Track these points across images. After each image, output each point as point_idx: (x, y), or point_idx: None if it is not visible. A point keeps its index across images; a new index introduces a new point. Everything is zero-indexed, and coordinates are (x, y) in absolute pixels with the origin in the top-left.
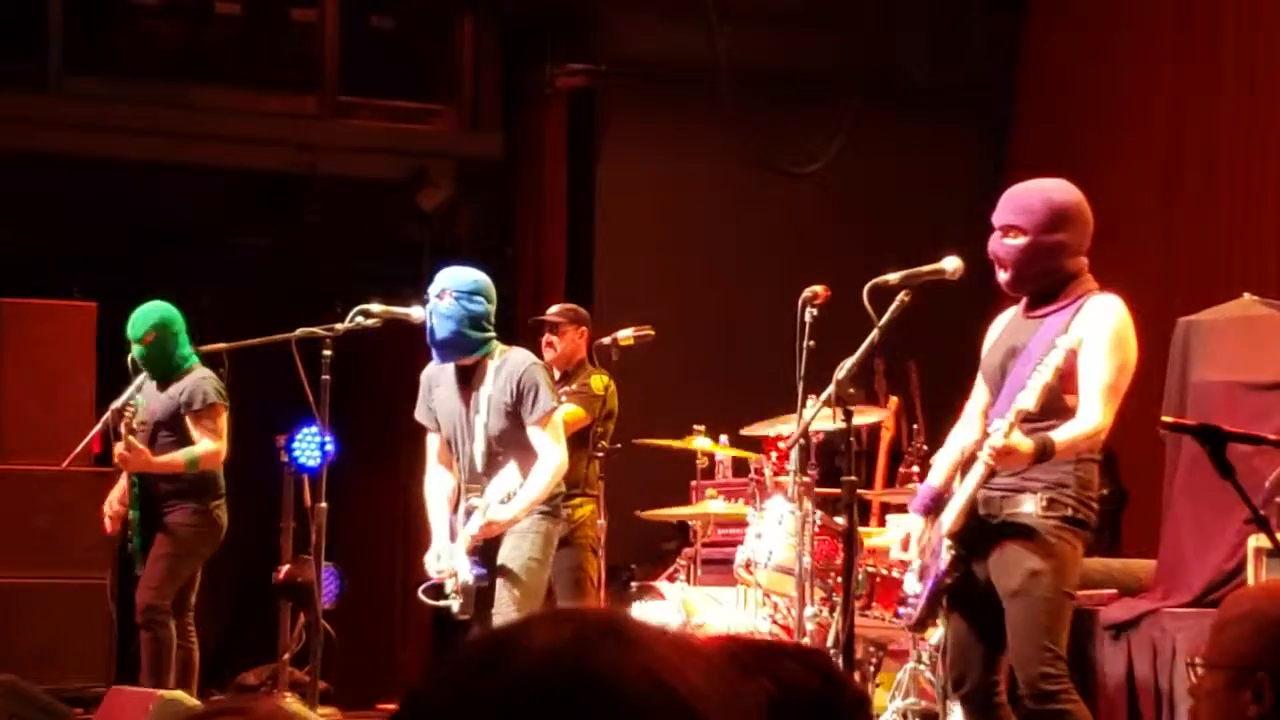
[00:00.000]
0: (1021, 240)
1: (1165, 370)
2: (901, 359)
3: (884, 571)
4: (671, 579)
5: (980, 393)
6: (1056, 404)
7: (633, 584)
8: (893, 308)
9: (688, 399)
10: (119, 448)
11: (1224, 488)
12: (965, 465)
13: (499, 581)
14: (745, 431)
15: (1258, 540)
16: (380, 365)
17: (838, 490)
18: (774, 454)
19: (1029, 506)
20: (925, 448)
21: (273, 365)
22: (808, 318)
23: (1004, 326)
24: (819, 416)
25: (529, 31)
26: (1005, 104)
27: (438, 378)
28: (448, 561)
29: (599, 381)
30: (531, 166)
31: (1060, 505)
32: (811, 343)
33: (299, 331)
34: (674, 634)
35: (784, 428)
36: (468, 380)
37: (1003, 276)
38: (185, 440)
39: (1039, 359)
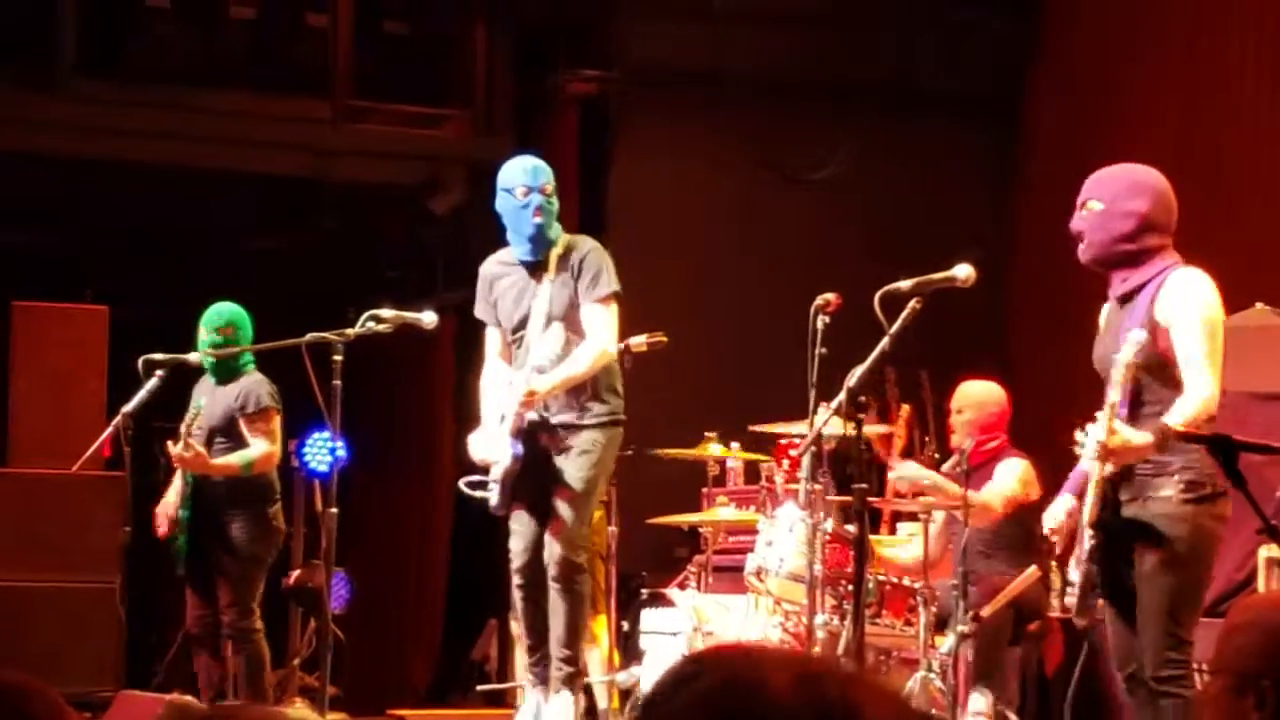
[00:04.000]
0: (1098, 207)
1: None
2: (913, 368)
3: (894, 580)
4: (682, 586)
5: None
6: (1159, 385)
7: (643, 591)
8: (904, 315)
9: (700, 405)
10: (177, 448)
11: (1235, 497)
12: None
13: (557, 497)
14: (755, 428)
15: (1269, 550)
16: (392, 370)
17: (849, 498)
18: (785, 461)
19: (1167, 490)
20: (936, 456)
21: (284, 370)
22: (819, 325)
23: (1103, 318)
24: (830, 424)
25: (542, 37)
26: (1017, 110)
27: (500, 270)
28: (489, 449)
29: None
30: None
31: (1198, 486)
32: (823, 350)
33: (310, 336)
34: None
35: (795, 429)
36: (534, 269)
37: (1080, 250)
38: (240, 444)
39: (1128, 348)
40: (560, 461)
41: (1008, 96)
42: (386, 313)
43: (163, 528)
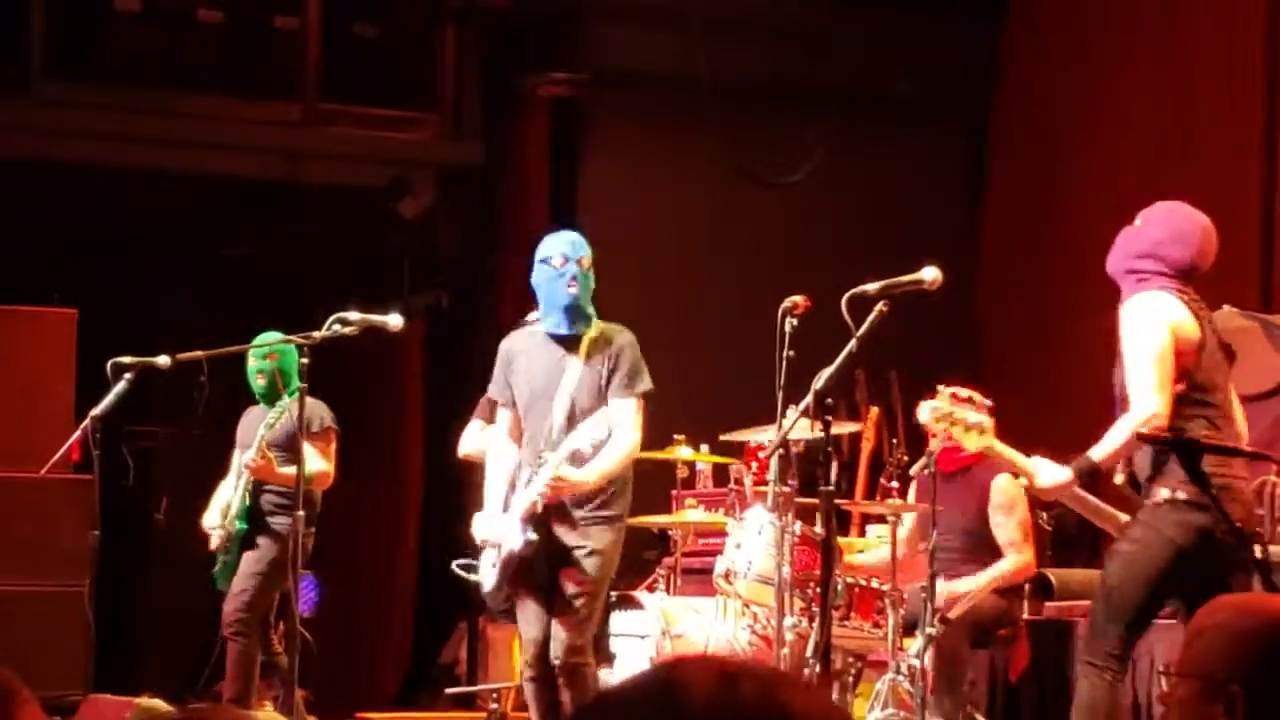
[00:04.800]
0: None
1: None
2: (883, 369)
3: (863, 582)
4: (651, 589)
5: None
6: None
7: (612, 594)
8: (871, 318)
9: (668, 408)
10: (252, 457)
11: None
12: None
13: (572, 585)
14: (725, 437)
15: None
16: (360, 374)
17: (816, 500)
18: (754, 464)
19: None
20: (906, 458)
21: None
22: (788, 328)
23: None
24: (799, 426)
25: (511, 40)
26: (984, 116)
27: (521, 348)
28: (495, 531)
29: None
30: (513, 175)
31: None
32: (791, 353)
33: (278, 339)
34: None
35: (763, 436)
36: (562, 350)
37: None
38: (296, 461)
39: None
40: (577, 554)
41: (975, 102)
42: (353, 315)
43: (214, 541)
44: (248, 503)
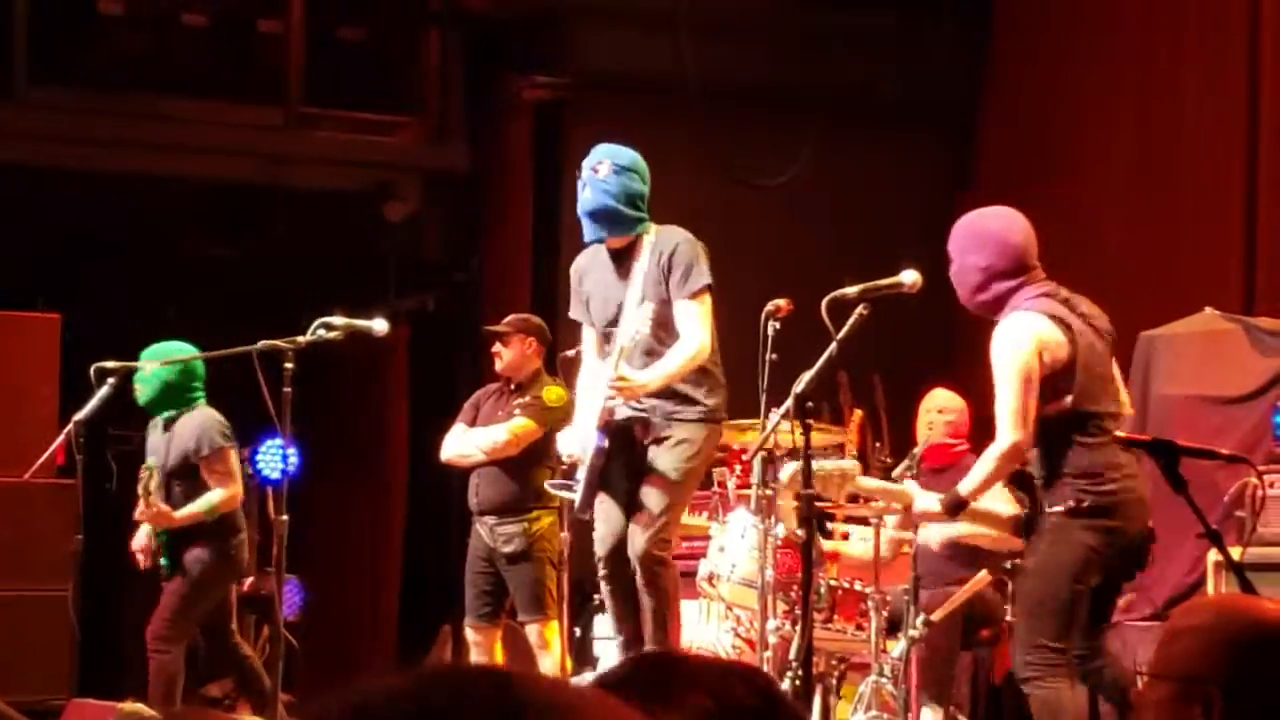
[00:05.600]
0: (952, 264)
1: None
2: (866, 372)
3: (845, 584)
4: None
5: None
6: None
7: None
8: (851, 321)
9: None
10: (140, 510)
11: (1184, 502)
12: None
13: (647, 485)
14: None
15: (1217, 555)
16: (343, 378)
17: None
18: (737, 467)
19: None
20: (889, 460)
21: (236, 377)
22: (770, 331)
23: None
24: (781, 429)
25: (495, 43)
26: (971, 119)
27: (588, 266)
28: (579, 446)
29: (553, 393)
30: (498, 179)
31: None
32: (774, 355)
33: (262, 344)
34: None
35: (746, 438)
36: (621, 261)
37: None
38: (199, 486)
39: None
40: (654, 451)
41: (961, 104)
42: (338, 320)
43: (145, 562)
44: (165, 538)
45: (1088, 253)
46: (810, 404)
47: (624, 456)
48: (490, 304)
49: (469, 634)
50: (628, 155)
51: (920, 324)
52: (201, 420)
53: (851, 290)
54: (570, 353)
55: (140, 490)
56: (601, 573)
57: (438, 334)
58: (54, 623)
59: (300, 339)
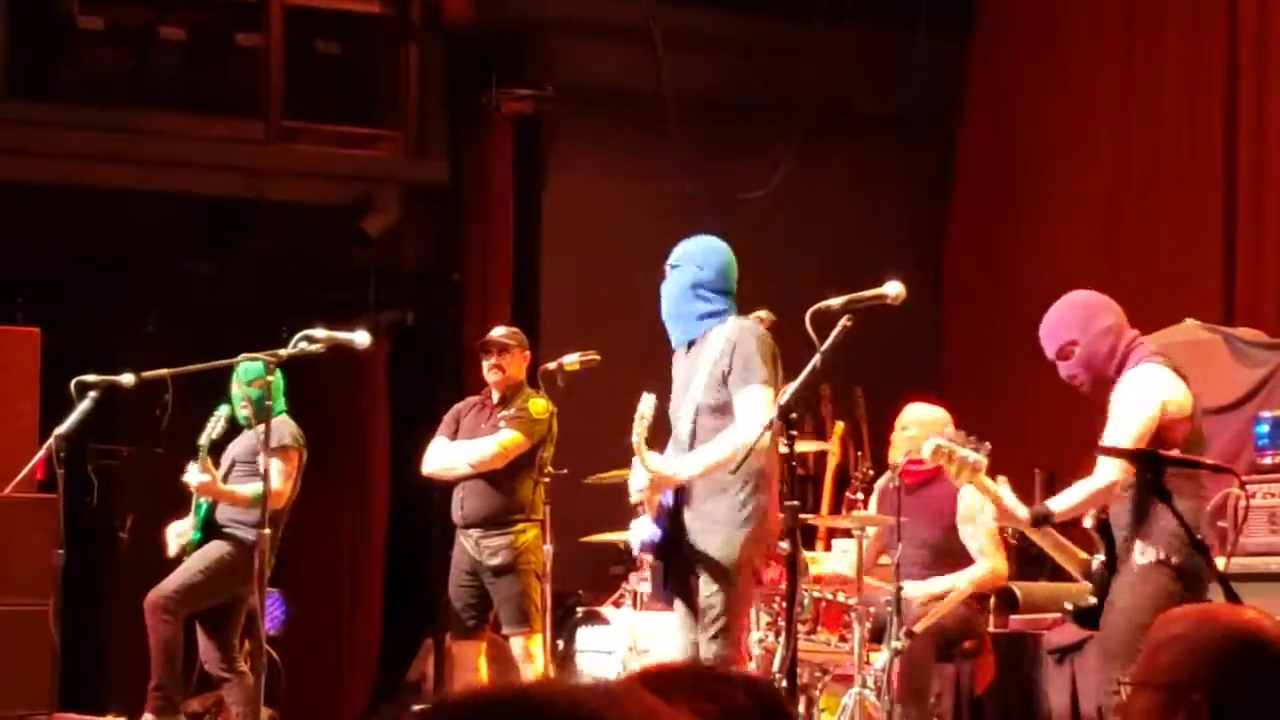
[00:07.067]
0: (1078, 350)
1: None
2: (848, 384)
3: (829, 596)
4: (618, 604)
5: None
6: None
7: (579, 609)
8: (835, 333)
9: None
10: (194, 471)
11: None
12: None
13: (704, 576)
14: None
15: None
16: (326, 391)
17: (781, 515)
18: None
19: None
20: (871, 472)
21: (217, 391)
22: None
23: None
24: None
25: (474, 57)
26: (949, 130)
27: (675, 364)
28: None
29: (537, 405)
30: (477, 192)
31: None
32: None
33: (243, 357)
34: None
35: None
36: (691, 348)
37: (1085, 389)
38: (257, 477)
39: None
40: (699, 555)
41: (941, 116)
42: (319, 333)
43: (172, 548)
44: (204, 514)
45: (1068, 263)
46: (794, 416)
47: (678, 552)
48: (470, 316)
49: (451, 647)
50: (688, 248)
51: (902, 336)
52: (282, 421)
53: (835, 302)
54: (551, 365)
55: (201, 457)
56: None
57: (418, 347)
58: (35, 638)
59: (281, 352)
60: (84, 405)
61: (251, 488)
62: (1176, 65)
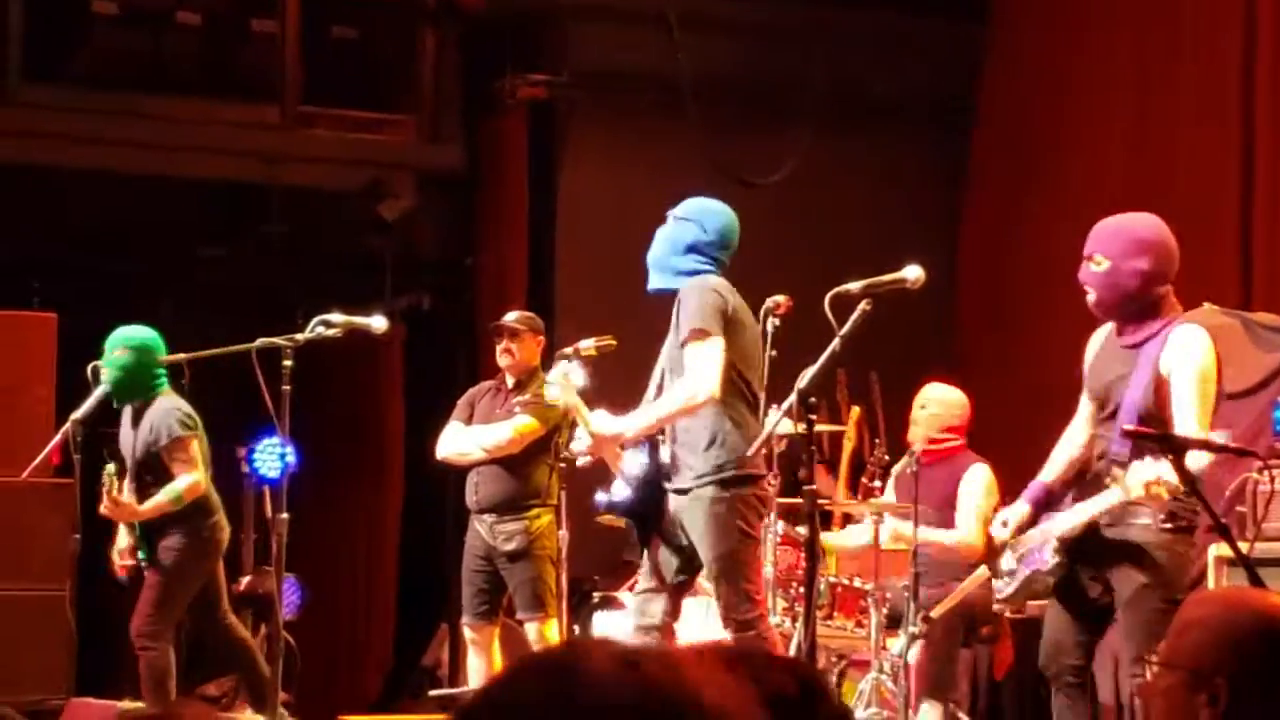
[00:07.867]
0: (1105, 265)
1: None
2: (864, 370)
3: (845, 581)
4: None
5: (1085, 405)
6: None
7: (595, 595)
8: (854, 317)
9: None
10: (104, 506)
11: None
12: (1087, 480)
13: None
14: None
15: (1219, 549)
16: (341, 376)
17: (799, 500)
18: None
19: (1146, 519)
20: (887, 458)
21: (233, 376)
22: (769, 328)
23: (1101, 348)
24: (781, 425)
25: (490, 42)
26: (965, 116)
27: None
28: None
29: None
30: (492, 177)
31: (1178, 517)
32: (773, 353)
33: (260, 342)
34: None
35: None
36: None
37: (1090, 299)
38: (167, 476)
39: (1139, 395)
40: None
41: (956, 100)
42: (336, 318)
43: (120, 572)
44: (140, 527)
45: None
46: (812, 400)
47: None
48: (485, 302)
49: (466, 633)
50: (688, 206)
51: (918, 320)
52: (162, 410)
53: (854, 286)
54: (568, 350)
55: (104, 488)
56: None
57: (433, 332)
58: (52, 622)
59: (299, 337)
60: (100, 390)
61: (168, 492)
62: (1193, 48)
